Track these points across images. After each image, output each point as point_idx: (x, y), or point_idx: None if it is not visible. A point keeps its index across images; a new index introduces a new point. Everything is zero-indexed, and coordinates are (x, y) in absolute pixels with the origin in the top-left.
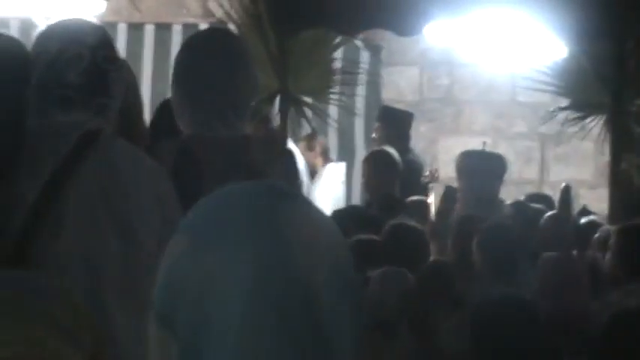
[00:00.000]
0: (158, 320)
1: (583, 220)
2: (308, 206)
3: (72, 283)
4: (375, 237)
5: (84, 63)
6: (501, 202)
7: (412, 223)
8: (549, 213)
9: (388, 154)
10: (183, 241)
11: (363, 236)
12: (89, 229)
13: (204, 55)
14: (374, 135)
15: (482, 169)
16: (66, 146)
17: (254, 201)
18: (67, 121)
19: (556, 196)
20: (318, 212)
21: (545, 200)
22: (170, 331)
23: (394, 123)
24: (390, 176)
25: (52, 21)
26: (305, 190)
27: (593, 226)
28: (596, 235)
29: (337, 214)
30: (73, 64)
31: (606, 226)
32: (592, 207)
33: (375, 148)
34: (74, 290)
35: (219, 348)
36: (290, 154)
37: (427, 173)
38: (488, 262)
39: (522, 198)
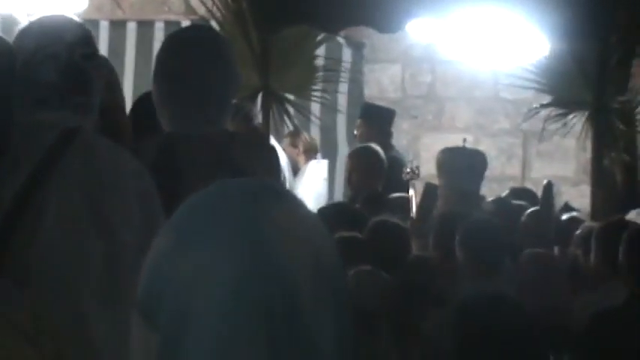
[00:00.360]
0: (142, 318)
1: (565, 217)
2: (295, 205)
3: (44, 287)
4: (357, 234)
5: (61, 61)
6: (482, 198)
7: (395, 220)
8: (531, 209)
9: (374, 151)
10: (168, 238)
11: (346, 233)
12: (69, 228)
13: (185, 52)
14: (355, 132)
15: (462, 165)
16: (44, 145)
17: (240, 200)
18: (45, 120)
19: (538, 193)
20: (305, 211)
21: (529, 195)
22: (153, 329)
23: (376, 120)
24: (375, 173)
25: (34, 18)
26: (287, 187)
27: (575, 222)
28: (578, 232)
29: (322, 211)
30: (50, 62)
31: (587, 223)
32: (574, 203)
33: (361, 144)
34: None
35: (196, 348)
36: (272, 151)
37: (408, 170)
38: (471, 258)
39: (506, 193)
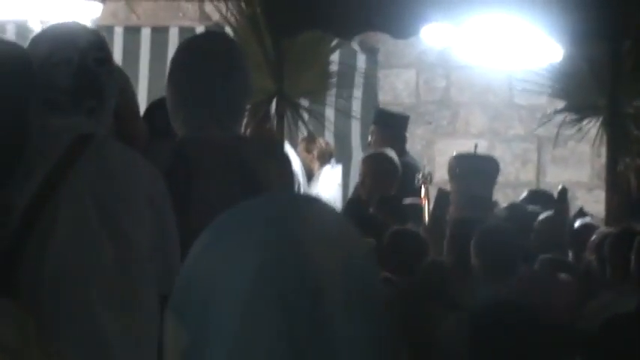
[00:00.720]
0: (174, 315)
1: (579, 222)
2: (329, 211)
3: (56, 291)
4: (370, 239)
5: (74, 65)
6: (495, 204)
7: (415, 229)
8: (545, 215)
9: (388, 156)
10: (203, 237)
11: None
12: (82, 233)
13: (199, 57)
14: (369, 138)
15: (473, 171)
16: (58, 151)
17: (276, 203)
18: (58, 125)
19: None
20: (338, 217)
21: (546, 197)
22: (182, 322)
23: (390, 126)
24: (389, 178)
25: (48, 25)
26: (301, 188)
27: (589, 228)
28: (592, 238)
29: None
30: (63, 67)
31: (602, 229)
32: (589, 209)
33: (376, 150)
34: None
35: (221, 340)
36: (284, 156)
37: (420, 176)
38: (485, 264)
39: (523, 196)
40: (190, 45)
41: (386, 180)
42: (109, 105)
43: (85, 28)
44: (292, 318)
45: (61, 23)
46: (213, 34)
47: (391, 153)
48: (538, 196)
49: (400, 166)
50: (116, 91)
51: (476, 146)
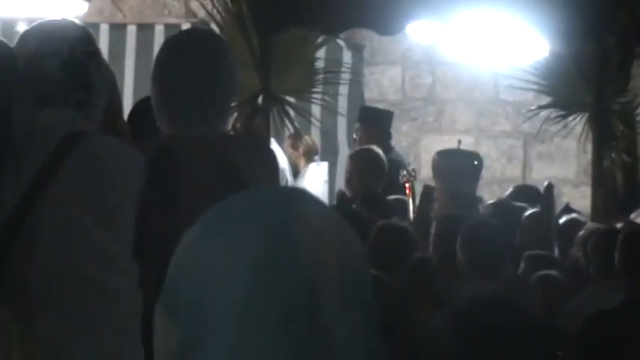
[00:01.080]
0: (164, 312)
1: (565, 218)
2: (326, 210)
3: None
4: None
5: (62, 58)
6: (480, 200)
7: (402, 223)
8: (531, 211)
9: (375, 153)
10: (192, 231)
11: None
12: (71, 230)
13: (184, 54)
14: (355, 136)
15: (457, 167)
16: (48, 148)
17: (270, 197)
18: (48, 120)
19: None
20: (336, 217)
21: (532, 192)
22: (173, 319)
23: (374, 123)
24: (376, 175)
25: (34, 22)
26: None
27: (575, 224)
28: (580, 234)
29: None
30: (52, 58)
31: (590, 225)
32: (575, 205)
33: (363, 147)
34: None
35: (218, 338)
36: (270, 153)
37: (404, 172)
38: (472, 261)
39: (509, 192)
40: (175, 42)
41: (373, 177)
42: (99, 100)
43: (73, 23)
44: (289, 317)
45: (49, 20)
46: (199, 31)
47: (378, 150)
48: (524, 192)
49: (387, 163)
50: (106, 86)
51: (459, 142)
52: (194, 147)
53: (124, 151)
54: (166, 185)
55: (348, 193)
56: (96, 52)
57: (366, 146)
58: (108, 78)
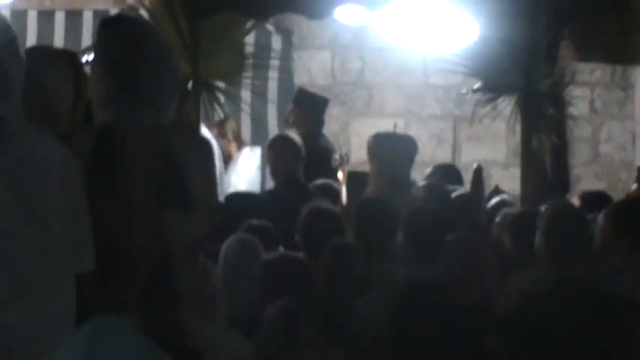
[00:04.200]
0: None
1: (494, 200)
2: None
3: None
4: (267, 223)
5: None
6: (413, 183)
7: (330, 207)
8: (459, 192)
9: (289, 139)
10: None
11: (255, 221)
12: None
13: (121, 46)
14: (288, 118)
15: (393, 151)
16: None
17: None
18: None
19: (468, 177)
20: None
21: (453, 172)
22: None
23: (309, 107)
24: (292, 160)
25: None
26: (219, 177)
27: (503, 205)
28: (501, 216)
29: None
30: None
31: (507, 209)
32: (505, 187)
33: (278, 134)
34: None
35: None
36: (207, 144)
37: (337, 157)
38: (413, 245)
39: (429, 171)
40: (111, 32)
41: (289, 162)
42: (17, 88)
43: None
44: None
45: None
46: (133, 21)
47: (292, 135)
48: (444, 172)
49: (302, 146)
50: (22, 74)
51: (395, 126)
52: (132, 138)
53: (42, 138)
54: (105, 175)
55: (275, 182)
56: (11, 41)
57: (280, 133)
58: (24, 66)
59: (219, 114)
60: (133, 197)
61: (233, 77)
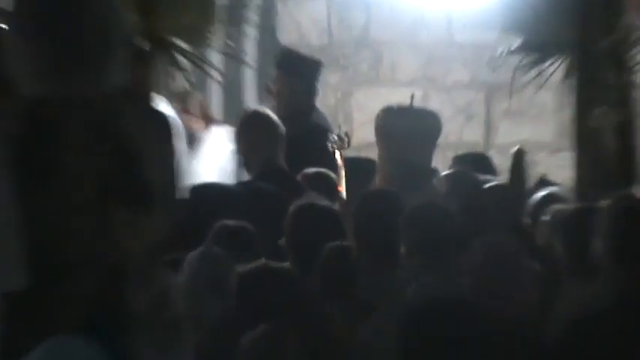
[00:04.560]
0: None
1: (541, 194)
2: None
3: None
4: (246, 224)
5: None
6: (434, 172)
7: (324, 203)
8: (492, 184)
9: (263, 115)
10: None
11: (231, 222)
12: None
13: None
14: (270, 87)
15: (408, 130)
16: None
17: None
18: None
19: (505, 163)
20: None
21: (482, 161)
22: None
23: (298, 73)
24: (269, 144)
25: None
26: (183, 159)
27: (552, 200)
28: (549, 214)
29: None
30: None
31: (558, 205)
32: (553, 176)
33: (249, 109)
34: None
35: None
36: (166, 119)
37: (335, 138)
38: (419, 251)
39: (455, 157)
40: None
41: (264, 143)
42: None
43: None
44: None
45: None
46: None
47: (265, 110)
48: (477, 157)
49: (279, 123)
50: None
51: (412, 97)
52: (69, 111)
53: None
54: (37, 159)
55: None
56: None
57: (250, 108)
58: None
59: (181, 83)
60: (72, 196)
61: (199, 35)
